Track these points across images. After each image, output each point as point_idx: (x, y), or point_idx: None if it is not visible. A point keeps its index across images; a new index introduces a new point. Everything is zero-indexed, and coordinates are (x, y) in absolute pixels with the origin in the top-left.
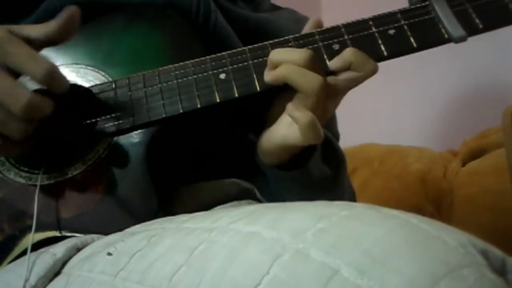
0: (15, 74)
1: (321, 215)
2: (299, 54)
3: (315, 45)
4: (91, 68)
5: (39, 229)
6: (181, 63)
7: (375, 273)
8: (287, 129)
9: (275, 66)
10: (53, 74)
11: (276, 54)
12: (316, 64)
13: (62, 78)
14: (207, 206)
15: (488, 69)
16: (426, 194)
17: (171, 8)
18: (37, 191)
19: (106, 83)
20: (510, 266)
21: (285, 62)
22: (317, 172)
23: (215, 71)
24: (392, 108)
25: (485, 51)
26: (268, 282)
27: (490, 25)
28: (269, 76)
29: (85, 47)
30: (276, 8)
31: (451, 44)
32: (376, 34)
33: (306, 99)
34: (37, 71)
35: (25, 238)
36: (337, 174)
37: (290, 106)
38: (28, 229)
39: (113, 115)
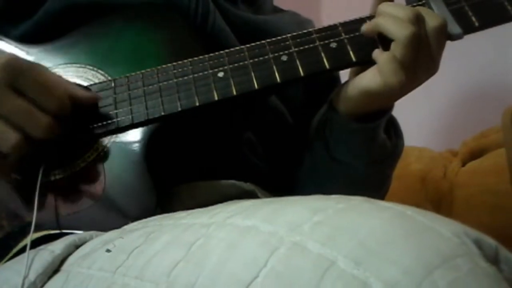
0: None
1: (317, 208)
2: (403, 11)
3: (313, 44)
4: (91, 67)
5: (38, 226)
6: (179, 62)
7: (371, 264)
8: (372, 76)
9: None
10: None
11: (384, 7)
12: (418, 22)
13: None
14: (205, 205)
15: (488, 69)
16: (426, 194)
17: (170, 9)
18: (37, 189)
19: (105, 81)
20: (503, 255)
21: (387, 14)
22: (381, 139)
23: (213, 70)
24: None
25: (485, 50)
26: (266, 275)
27: (486, 23)
28: (366, 25)
29: (85, 47)
30: (279, 10)
31: (451, 44)
32: None
33: (397, 47)
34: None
35: (24, 235)
36: (393, 152)
37: (377, 50)
38: (27, 226)
39: (112, 113)
